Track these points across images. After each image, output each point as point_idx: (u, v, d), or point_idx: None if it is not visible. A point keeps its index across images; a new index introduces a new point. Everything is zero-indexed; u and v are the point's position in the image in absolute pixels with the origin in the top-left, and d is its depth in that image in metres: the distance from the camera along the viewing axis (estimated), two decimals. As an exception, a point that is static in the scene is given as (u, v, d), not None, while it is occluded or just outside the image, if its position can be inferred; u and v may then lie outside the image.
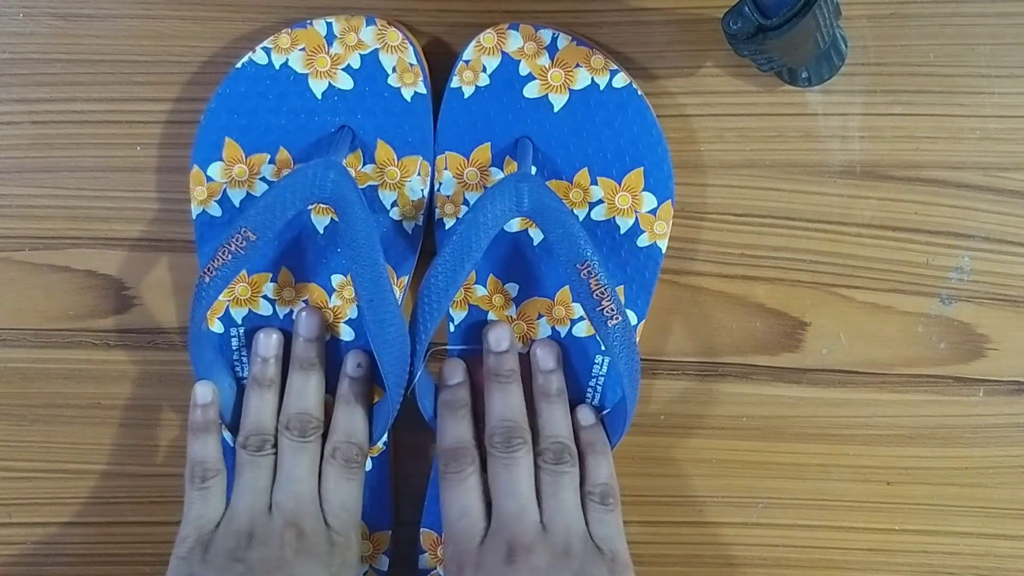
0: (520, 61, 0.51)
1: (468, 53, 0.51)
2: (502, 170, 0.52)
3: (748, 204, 0.54)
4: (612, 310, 0.48)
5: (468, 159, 0.52)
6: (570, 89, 0.51)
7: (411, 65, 0.51)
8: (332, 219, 0.52)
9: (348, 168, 0.50)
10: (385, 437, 0.54)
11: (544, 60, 0.51)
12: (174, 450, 0.57)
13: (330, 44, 0.51)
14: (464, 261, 0.48)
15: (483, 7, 0.52)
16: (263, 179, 0.52)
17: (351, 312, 0.53)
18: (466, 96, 0.51)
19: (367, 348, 0.53)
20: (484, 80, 0.51)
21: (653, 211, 0.51)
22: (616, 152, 0.51)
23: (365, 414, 0.52)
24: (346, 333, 0.53)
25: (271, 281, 0.53)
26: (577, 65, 0.51)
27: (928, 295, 0.54)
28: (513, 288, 0.53)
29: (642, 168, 0.51)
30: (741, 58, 0.49)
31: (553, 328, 0.53)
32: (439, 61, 0.53)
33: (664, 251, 0.52)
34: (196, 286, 0.49)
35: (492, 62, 0.51)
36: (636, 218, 0.52)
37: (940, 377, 0.55)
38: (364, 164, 0.52)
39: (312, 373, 0.52)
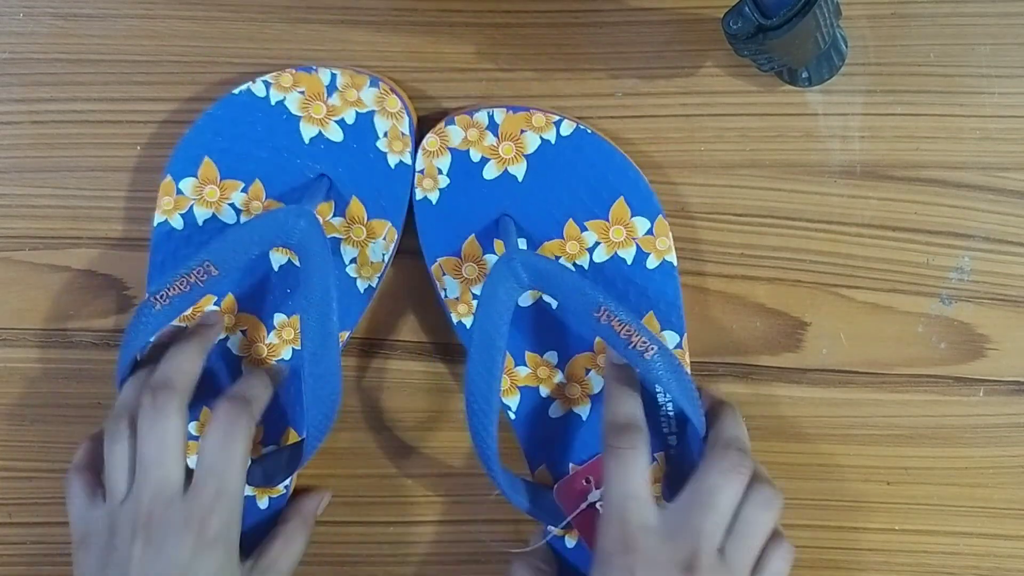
0: (468, 150, 0.51)
1: (419, 163, 0.51)
2: (495, 253, 0.52)
3: (748, 204, 0.54)
4: (644, 343, 0.48)
5: (460, 257, 0.52)
6: (525, 156, 0.51)
7: (403, 135, 0.51)
8: (289, 260, 0.52)
9: (317, 216, 0.50)
10: (287, 481, 0.54)
11: (490, 140, 0.51)
12: (174, 450, 0.57)
13: (330, 94, 0.51)
14: (493, 354, 0.48)
15: (484, 7, 0.53)
16: (231, 205, 0.52)
17: (284, 353, 0.53)
18: (434, 203, 0.52)
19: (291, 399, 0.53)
20: (444, 181, 0.51)
21: (649, 232, 0.52)
22: (591, 193, 0.51)
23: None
24: (286, 357, 0.53)
25: (214, 305, 0.53)
26: (522, 131, 0.51)
27: (928, 295, 0.54)
28: (552, 356, 0.53)
29: (622, 197, 0.51)
30: (741, 58, 0.49)
31: (605, 377, 0.52)
32: (440, 63, 0.53)
33: (676, 263, 0.52)
34: (140, 308, 0.48)
35: (444, 162, 0.51)
36: (636, 245, 0.52)
37: (940, 377, 0.55)
38: (334, 215, 0.52)
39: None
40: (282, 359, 0.53)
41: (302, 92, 0.51)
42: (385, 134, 0.51)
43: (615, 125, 0.53)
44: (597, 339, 0.52)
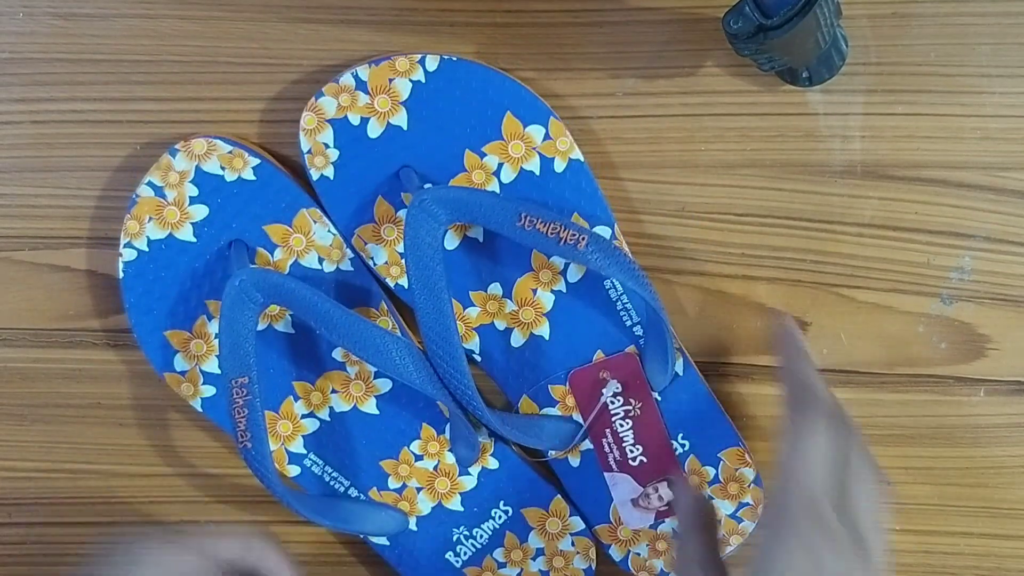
0: (346, 115, 0.51)
1: (303, 145, 0.51)
2: (406, 207, 0.52)
3: (749, 204, 0.54)
4: (574, 235, 0.49)
5: (376, 222, 0.52)
6: (401, 103, 0.51)
7: (230, 152, 0.52)
8: (289, 316, 0.53)
9: (265, 267, 0.51)
10: (484, 437, 0.54)
11: (363, 99, 0.51)
12: (174, 450, 0.57)
13: (165, 197, 0.52)
14: (438, 295, 0.49)
15: (484, 7, 0.52)
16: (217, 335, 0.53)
17: (369, 365, 0.53)
18: (332, 178, 0.52)
19: (408, 391, 0.53)
20: (334, 154, 0.52)
21: (547, 137, 0.51)
22: (478, 117, 0.51)
23: None
24: (385, 385, 0.54)
25: (295, 401, 0.53)
26: (391, 80, 0.51)
27: (929, 295, 0.54)
28: (496, 288, 0.53)
29: (508, 111, 0.51)
30: (742, 58, 0.49)
31: (554, 291, 0.53)
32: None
33: (584, 159, 0.52)
34: (245, 460, 0.50)
35: (327, 136, 0.51)
36: (539, 155, 0.51)
37: (941, 377, 0.55)
38: (272, 254, 0.52)
39: None
40: (376, 373, 0.53)
41: (151, 217, 0.52)
42: (222, 168, 0.52)
43: (615, 125, 0.53)
44: (534, 255, 0.52)
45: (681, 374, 0.53)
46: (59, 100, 0.54)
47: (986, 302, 0.54)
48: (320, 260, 0.52)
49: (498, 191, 0.52)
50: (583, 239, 0.48)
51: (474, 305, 0.53)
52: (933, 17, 0.52)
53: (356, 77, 0.51)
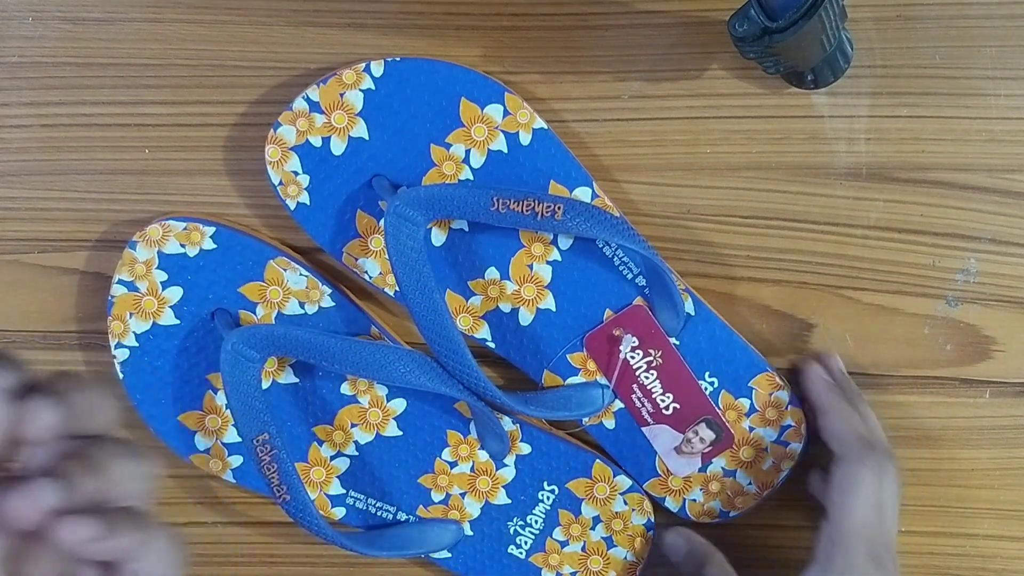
0: (307, 139, 0.52)
1: (273, 178, 0.52)
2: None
3: (754, 206, 0.54)
4: (548, 207, 0.49)
5: (361, 236, 0.53)
6: (357, 115, 0.52)
7: (185, 229, 0.52)
8: (289, 367, 0.53)
9: (250, 324, 0.52)
10: (509, 426, 0.54)
11: (320, 120, 0.52)
12: (182, 451, 0.57)
13: (138, 289, 0.53)
14: (430, 295, 0.50)
15: (490, 10, 0.53)
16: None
17: (379, 390, 0.54)
18: (309, 203, 0.52)
19: (424, 405, 0.54)
20: (305, 180, 0.52)
21: (506, 114, 0.52)
22: (436, 111, 0.52)
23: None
24: (400, 405, 0.54)
25: (320, 446, 0.54)
26: (342, 95, 0.51)
27: (934, 297, 0.54)
28: (493, 272, 0.53)
29: (463, 97, 0.51)
30: (747, 61, 0.49)
31: (549, 262, 0.53)
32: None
33: (547, 125, 0.52)
34: (288, 513, 0.51)
35: (294, 164, 0.52)
36: (502, 133, 0.52)
37: (946, 379, 0.55)
38: (255, 313, 0.53)
39: None
40: (387, 396, 0.54)
41: (131, 313, 0.53)
42: (182, 246, 0.52)
43: (621, 128, 0.53)
44: (522, 231, 0.52)
45: (693, 314, 0.53)
46: (68, 104, 0.54)
47: (991, 304, 0.54)
48: (301, 305, 0.53)
49: (471, 178, 0.52)
50: (559, 208, 0.49)
51: (475, 294, 0.53)
52: (938, 20, 0.52)
53: (308, 100, 0.51)
